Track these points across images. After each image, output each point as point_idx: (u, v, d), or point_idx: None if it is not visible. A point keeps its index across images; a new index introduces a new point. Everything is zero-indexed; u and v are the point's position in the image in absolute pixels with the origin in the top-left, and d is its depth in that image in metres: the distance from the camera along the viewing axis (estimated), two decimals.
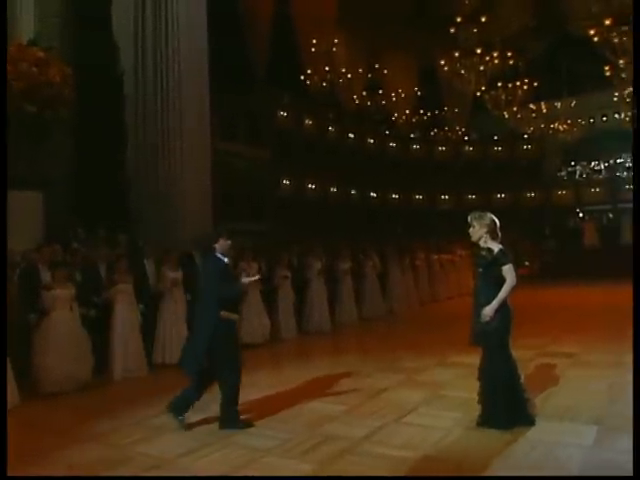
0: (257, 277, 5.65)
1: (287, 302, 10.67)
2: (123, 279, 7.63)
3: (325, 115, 26.52)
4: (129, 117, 11.78)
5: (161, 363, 8.16)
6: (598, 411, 5.30)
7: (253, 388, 6.78)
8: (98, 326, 7.48)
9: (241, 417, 5.29)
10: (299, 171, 24.32)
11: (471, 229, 5.02)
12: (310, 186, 25.54)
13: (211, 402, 6.15)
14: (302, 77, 22.98)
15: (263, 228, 20.72)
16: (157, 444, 4.91)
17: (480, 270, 4.97)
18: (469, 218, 5.05)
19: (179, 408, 5.28)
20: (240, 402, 5.35)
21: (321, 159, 25.72)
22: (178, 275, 8.48)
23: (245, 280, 5.46)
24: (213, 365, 5.16)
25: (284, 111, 24.52)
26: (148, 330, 8.08)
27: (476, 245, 5.07)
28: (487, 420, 4.88)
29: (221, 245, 5.27)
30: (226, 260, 5.31)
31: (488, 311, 4.81)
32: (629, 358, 7.52)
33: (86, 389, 6.83)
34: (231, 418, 5.21)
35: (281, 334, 10.42)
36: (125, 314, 7.59)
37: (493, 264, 4.88)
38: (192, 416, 5.65)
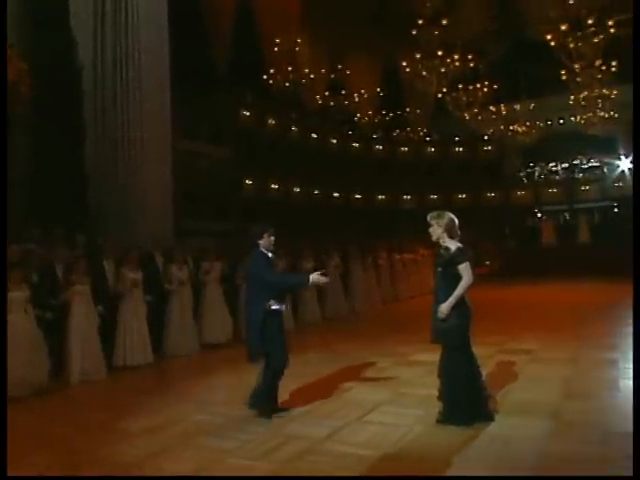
0: (326, 280, 5.70)
1: None
2: (80, 280, 7.47)
3: (288, 115, 26.55)
4: (88, 113, 11.55)
5: (122, 366, 8.02)
6: (554, 406, 5.42)
7: (214, 388, 6.74)
8: (55, 328, 7.30)
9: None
10: (262, 171, 24.28)
11: (431, 229, 5.09)
12: (273, 186, 25.52)
13: (169, 405, 6.08)
14: (265, 76, 22.91)
15: (226, 228, 20.60)
16: (117, 448, 4.82)
17: (439, 269, 5.03)
18: (428, 218, 5.12)
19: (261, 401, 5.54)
20: (201, 403, 5.30)
21: (284, 159, 25.69)
22: (138, 276, 8.35)
23: (315, 277, 5.47)
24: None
25: (247, 110, 24.45)
26: (107, 332, 7.94)
27: (437, 244, 5.13)
28: (448, 417, 4.94)
29: (265, 241, 5.56)
30: (270, 255, 5.59)
31: (444, 308, 4.88)
32: (584, 354, 7.76)
33: (42, 393, 6.66)
34: (267, 399, 5.45)
35: (243, 333, 10.34)
36: (82, 316, 7.42)
37: (450, 262, 4.95)
38: (152, 419, 5.58)
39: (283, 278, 5.42)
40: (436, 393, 5.14)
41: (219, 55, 21.96)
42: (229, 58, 22.09)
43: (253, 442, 4.76)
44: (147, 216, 11.21)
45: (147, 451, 4.67)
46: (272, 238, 5.58)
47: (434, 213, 5.14)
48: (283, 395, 5.93)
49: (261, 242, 5.56)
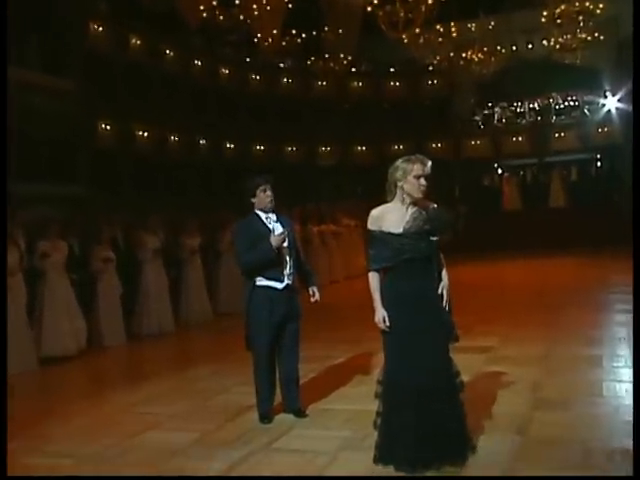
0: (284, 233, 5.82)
1: (111, 295, 10.48)
2: None
3: (159, 33, 25.90)
4: None
5: None
6: (521, 418, 5.66)
7: (64, 418, 6.60)
8: None
9: None
10: (124, 112, 23.66)
11: (424, 181, 4.95)
12: (140, 133, 24.96)
13: None
14: None
15: (73, 191, 20.01)
16: None
17: (432, 238, 5.00)
18: (429, 164, 5.01)
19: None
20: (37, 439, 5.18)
21: (155, 95, 25.14)
22: None
23: (274, 239, 5.71)
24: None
25: (99, 25, 23.65)
26: None
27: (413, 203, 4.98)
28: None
29: (259, 199, 5.84)
30: (264, 217, 5.84)
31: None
32: (558, 351, 8.13)
33: None
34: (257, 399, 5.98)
35: (103, 340, 10.23)
36: None
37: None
38: None
39: (247, 255, 5.75)
40: (367, 408, 5.19)
41: None
42: None
43: None
44: None
45: None
46: (268, 193, 5.81)
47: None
48: (165, 421, 5.91)
49: (255, 201, 5.83)
